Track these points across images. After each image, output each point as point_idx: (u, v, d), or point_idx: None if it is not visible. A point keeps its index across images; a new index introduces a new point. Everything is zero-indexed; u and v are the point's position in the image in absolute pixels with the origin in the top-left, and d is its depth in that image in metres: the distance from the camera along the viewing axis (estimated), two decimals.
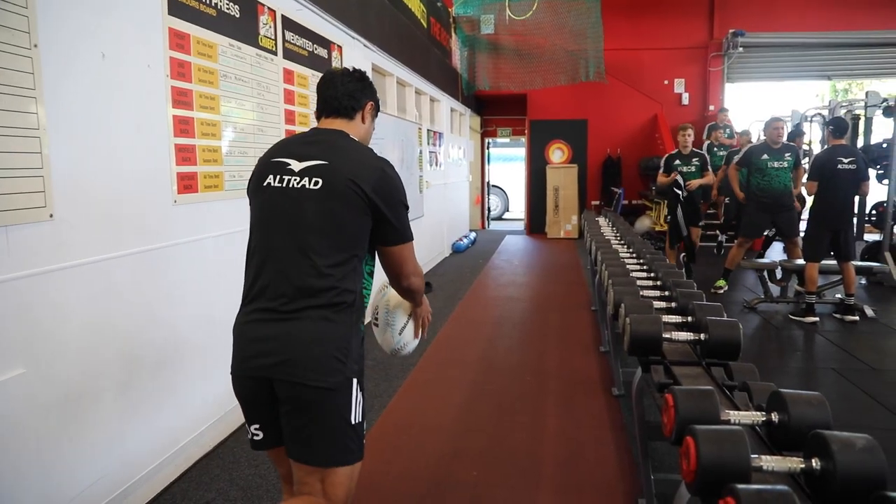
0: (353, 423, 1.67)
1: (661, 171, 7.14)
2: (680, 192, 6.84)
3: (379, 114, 2.00)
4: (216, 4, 3.17)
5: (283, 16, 3.92)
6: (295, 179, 1.69)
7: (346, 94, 1.84)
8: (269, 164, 1.77)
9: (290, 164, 1.71)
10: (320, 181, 1.66)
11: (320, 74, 4.49)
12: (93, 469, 2.36)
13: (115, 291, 2.47)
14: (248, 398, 1.74)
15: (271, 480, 2.85)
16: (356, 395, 1.69)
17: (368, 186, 1.66)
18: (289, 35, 4.02)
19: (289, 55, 4.02)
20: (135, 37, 2.59)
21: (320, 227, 1.65)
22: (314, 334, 1.62)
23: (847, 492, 1.26)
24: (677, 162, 6.96)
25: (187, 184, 2.95)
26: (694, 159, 6.97)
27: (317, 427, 1.64)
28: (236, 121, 3.39)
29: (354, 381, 1.68)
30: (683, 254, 7.13)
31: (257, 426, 1.76)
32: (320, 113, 1.88)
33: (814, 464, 1.33)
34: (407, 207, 1.78)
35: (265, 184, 1.74)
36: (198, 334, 3.04)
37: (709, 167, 7.06)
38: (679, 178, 6.84)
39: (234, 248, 3.37)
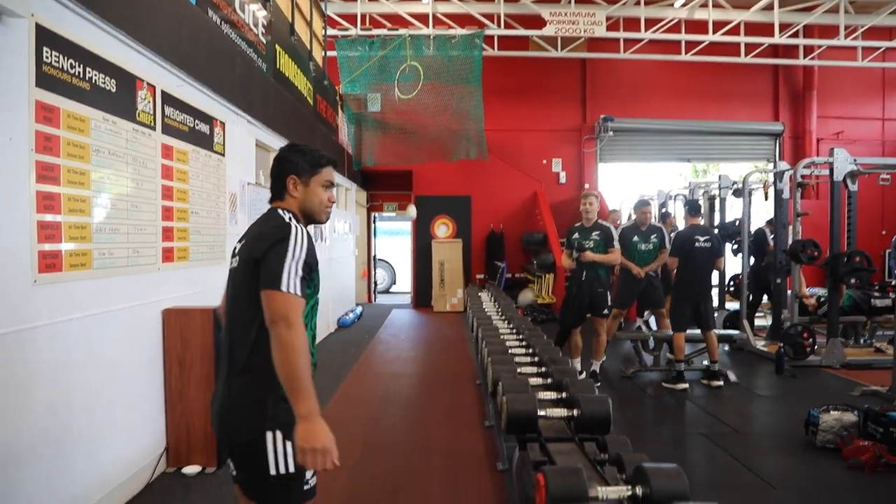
0: (273, 474, 1.83)
1: (563, 249, 6.34)
2: (579, 272, 5.92)
3: (323, 169, 2.12)
4: (90, 78, 3.09)
5: (162, 91, 3.86)
6: (234, 260, 2.01)
7: (272, 179, 2.10)
8: None
9: (235, 247, 2.03)
10: (238, 258, 1.97)
11: (202, 150, 4.47)
12: None
13: None
14: None
15: None
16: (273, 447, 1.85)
17: (260, 252, 1.86)
18: (168, 110, 3.95)
19: (168, 130, 3.94)
20: None
21: (237, 297, 1.94)
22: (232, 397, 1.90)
23: None
24: (576, 236, 6.03)
25: (50, 262, 2.77)
26: (594, 233, 5.96)
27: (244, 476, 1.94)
28: (108, 196, 3.25)
29: (269, 433, 1.84)
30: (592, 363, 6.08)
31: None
32: None
33: None
34: (285, 257, 1.84)
35: None
36: (56, 424, 2.80)
37: (615, 243, 5.97)
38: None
39: (105, 330, 3.19)
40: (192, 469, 3.80)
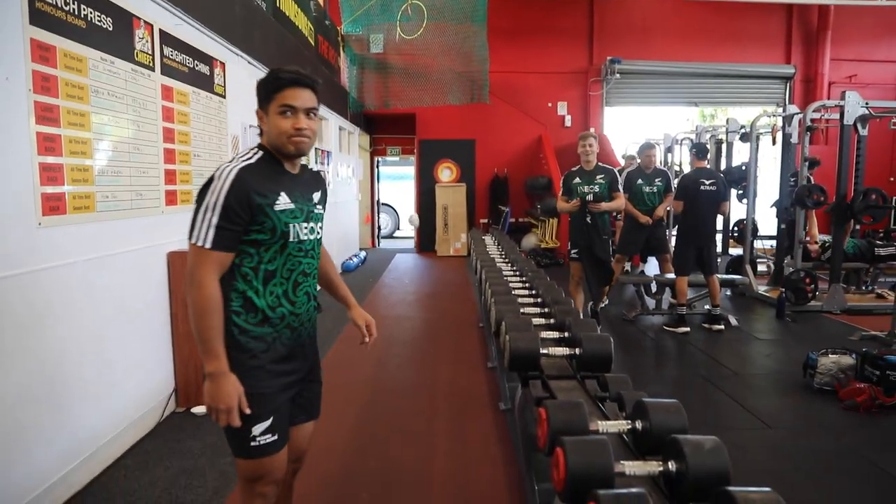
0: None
1: (561, 192, 5.73)
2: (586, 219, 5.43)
3: (278, 94, 1.82)
4: (86, 16, 3.02)
5: (160, 30, 3.79)
6: None
7: None
8: None
9: None
10: None
11: (202, 91, 4.41)
12: None
13: None
14: None
15: None
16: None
17: None
18: (167, 50, 3.89)
19: (168, 71, 3.89)
20: None
21: None
22: None
23: (697, 489, 1.38)
24: (577, 180, 5.51)
25: (54, 205, 2.77)
26: (598, 176, 5.46)
27: None
28: (110, 138, 3.23)
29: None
30: (591, 303, 5.86)
31: None
32: None
33: (670, 466, 1.45)
34: (202, 206, 1.74)
35: None
36: (64, 367, 2.86)
37: (619, 187, 5.53)
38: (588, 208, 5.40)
39: (108, 274, 3.21)
40: (201, 409, 3.88)
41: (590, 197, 5.41)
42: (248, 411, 1.73)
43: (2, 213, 2.47)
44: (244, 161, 1.79)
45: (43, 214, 2.69)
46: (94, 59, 3.08)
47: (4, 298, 2.48)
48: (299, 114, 1.80)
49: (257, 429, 1.83)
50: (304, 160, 1.98)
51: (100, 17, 3.14)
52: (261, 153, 1.85)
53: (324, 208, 2.02)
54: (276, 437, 1.87)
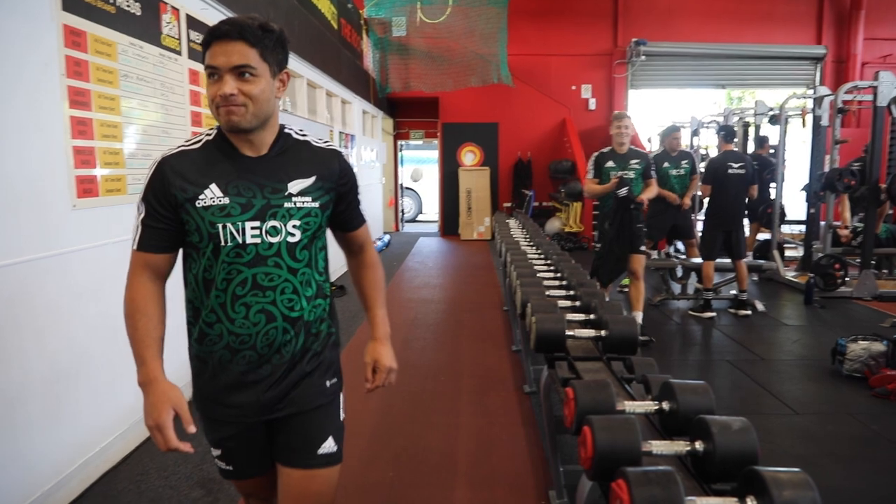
0: None
1: (589, 174, 5.25)
2: (630, 206, 4.93)
3: (206, 52, 1.45)
4: (114, 1, 3.06)
5: (187, 15, 3.82)
6: None
7: None
8: None
9: None
10: None
11: None
12: None
13: (4, 301, 2.35)
14: None
15: (183, 491, 2.78)
16: None
17: None
18: (194, 35, 3.92)
19: (195, 55, 3.92)
20: (25, 32, 2.47)
21: None
22: None
23: (725, 469, 1.38)
24: (610, 163, 5.10)
25: (87, 187, 2.83)
26: (633, 161, 5.09)
27: None
28: (139, 122, 3.28)
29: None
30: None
31: None
32: None
33: (697, 446, 1.45)
34: (137, 201, 1.53)
35: None
36: (98, 345, 2.93)
37: (652, 173, 5.19)
38: (624, 190, 4.92)
39: None
40: None
41: (623, 190, 4.92)
42: (191, 429, 1.41)
43: (40, 195, 2.54)
44: (182, 147, 1.51)
45: (77, 197, 2.76)
46: (122, 44, 3.12)
47: (41, 279, 2.54)
48: (224, 76, 1.38)
49: (213, 452, 1.65)
50: (303, 134, 1.57)
51: (128, 2, 3.18)
52: (213, 134, 1.52)
53: (321, 200, 1.52)
54: (231, 468, 1.65)
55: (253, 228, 1.44)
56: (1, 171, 2.32)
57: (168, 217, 1.44)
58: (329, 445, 1.61)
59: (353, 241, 1.77)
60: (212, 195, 1.43)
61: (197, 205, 1.42)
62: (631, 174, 5.04)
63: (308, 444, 1.58)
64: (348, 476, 2.95)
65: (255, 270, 1.46)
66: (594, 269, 5.24)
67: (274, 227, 1.45)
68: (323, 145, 1.58)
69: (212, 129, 1.53)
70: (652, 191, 5.15)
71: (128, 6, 3.17)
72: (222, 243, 1.43)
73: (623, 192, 4.87)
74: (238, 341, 1.48)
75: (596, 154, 5.25)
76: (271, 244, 1.46)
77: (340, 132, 8.38)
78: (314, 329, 1.58)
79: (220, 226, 1.42)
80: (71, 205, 2.72)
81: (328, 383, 1.63)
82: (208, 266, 1.47)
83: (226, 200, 1.42)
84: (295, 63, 6.12)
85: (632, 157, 5.12)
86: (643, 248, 5.14)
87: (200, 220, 1.42)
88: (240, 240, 1.43)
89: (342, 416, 1.71)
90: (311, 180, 1.50)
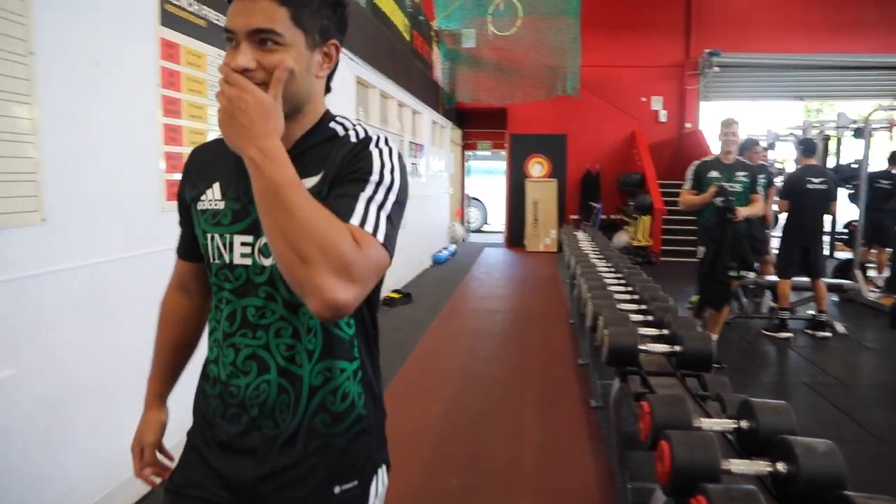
0: None
1: (686, 184, 4.85)
2: (729, 217, 4.50)
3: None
4: (206, 16, 3.23)
5: None
6: None
7: None
8: None
9: None
10: None
11: None
12: (74, 475, 2.37)
13: (101, 295, 2.49)
14: None
15: None
16: None
17: None
18: None
19: None
20: (128, 46, 2.64)
21: None
22: None
23: (810, 492, 1.34)
24: (713, 173, 4.66)
25: (174, 191, 2.97)
26: (740, 173, 4.67)
27: None
28: None
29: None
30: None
31: None
32: None
33: (779, 467, 1.41)
34: None
35: None
36: None
37: (758, 187, 4.77)
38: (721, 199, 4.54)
39: None
40: None
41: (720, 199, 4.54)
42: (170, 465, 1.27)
43: (136, 197, 2.70)
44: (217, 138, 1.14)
45: (167, 199, 2.91)
46: (211, 56, 3.28)
47: (130, 276, 2.68)
48: (241, 43, 0.97)
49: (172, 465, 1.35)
50: (338, 125, 1.13)
51: (217, 17, 3.34)
52: None
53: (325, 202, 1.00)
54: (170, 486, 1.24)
55: (244, 245, 1.05)
56: (99, 174, 2.47)
57: (186, 219, 1.19)
58: None
59: None
60: (211, 196, 1.10)
61: (198, 206, 1.12)
62: (737, 187, 4.63)
63: None
64: (409, 480, 2.99)
65: (244, 302, 1.07)
66: (701, 292, 4.91)
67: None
68: (358, 138, 1.10)
69: None
70: (756, 207, 4.70)
71: (217, 20, 3.33)
72: (211, 260, 1.09)
73: (720, 200, 4.50)
74: (227, 392, 1.10)
75: (697, 163, 4.85)
76: (264, 268, 1.04)
77: (411, 142, 8.52)
78: (330, 403, 1.08)
79: (209, 236, 1.08)
80: (160, 207, 2.87)
81: (337, 489, 1.08)
82: (215, 287, 1.13)
83: (221, 205, 1.08)
84: (368, 74, 6.27)
85: (738, 168, 4.70)
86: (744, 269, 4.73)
87: (198, 226, 1.12)
88: (227, 258, 1.07)
89: None
90: (318, 178, 1.04)
